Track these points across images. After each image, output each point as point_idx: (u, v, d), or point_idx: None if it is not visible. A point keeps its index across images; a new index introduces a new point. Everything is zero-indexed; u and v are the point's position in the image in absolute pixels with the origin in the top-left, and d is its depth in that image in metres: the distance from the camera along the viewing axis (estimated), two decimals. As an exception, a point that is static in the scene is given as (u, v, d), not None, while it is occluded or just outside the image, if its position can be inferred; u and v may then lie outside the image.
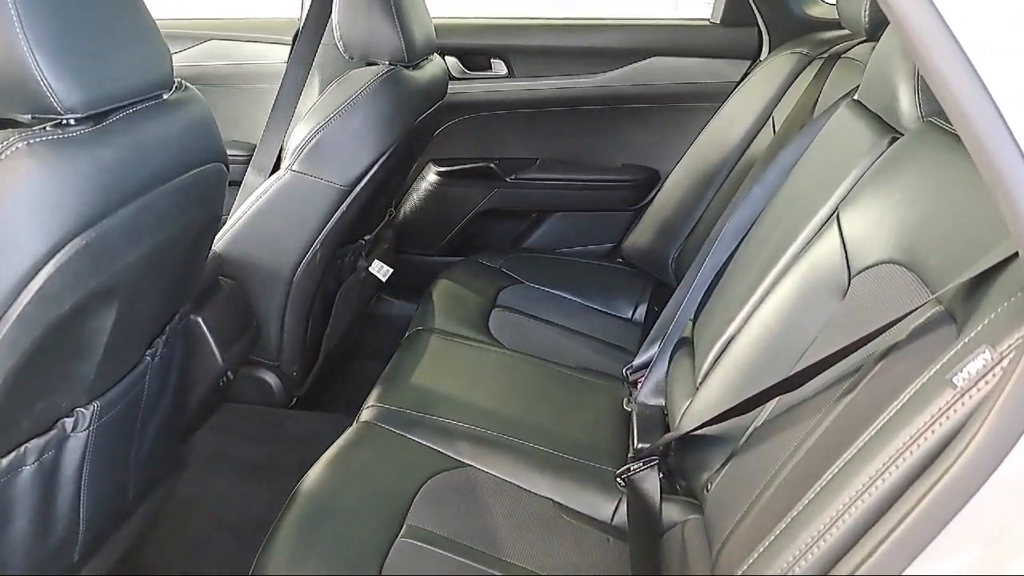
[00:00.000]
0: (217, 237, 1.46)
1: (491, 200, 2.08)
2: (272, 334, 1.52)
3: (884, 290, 0.91)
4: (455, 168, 2.08)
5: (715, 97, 1.95)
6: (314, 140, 1.42)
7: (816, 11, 1.90)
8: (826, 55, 1.68)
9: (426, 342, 1.51)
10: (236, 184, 1.60)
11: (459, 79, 2.03)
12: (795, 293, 1.09)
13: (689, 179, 1.91)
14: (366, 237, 1.70)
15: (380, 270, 1.75)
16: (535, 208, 2.12)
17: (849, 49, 1.62)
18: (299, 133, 1.43)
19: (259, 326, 1.50)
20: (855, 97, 1.28)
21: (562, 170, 2.08)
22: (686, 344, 1.39)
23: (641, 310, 1.86)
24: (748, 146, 1.80)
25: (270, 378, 1.55)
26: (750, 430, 1.05)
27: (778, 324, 1.10)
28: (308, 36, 1.70)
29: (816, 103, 1.59)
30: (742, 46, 1.95)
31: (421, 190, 2.10)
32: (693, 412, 1.18)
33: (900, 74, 1.07)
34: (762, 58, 1.93)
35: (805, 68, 1.74)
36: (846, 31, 1.76)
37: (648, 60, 1.97)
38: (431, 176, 2.09)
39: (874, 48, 1.22)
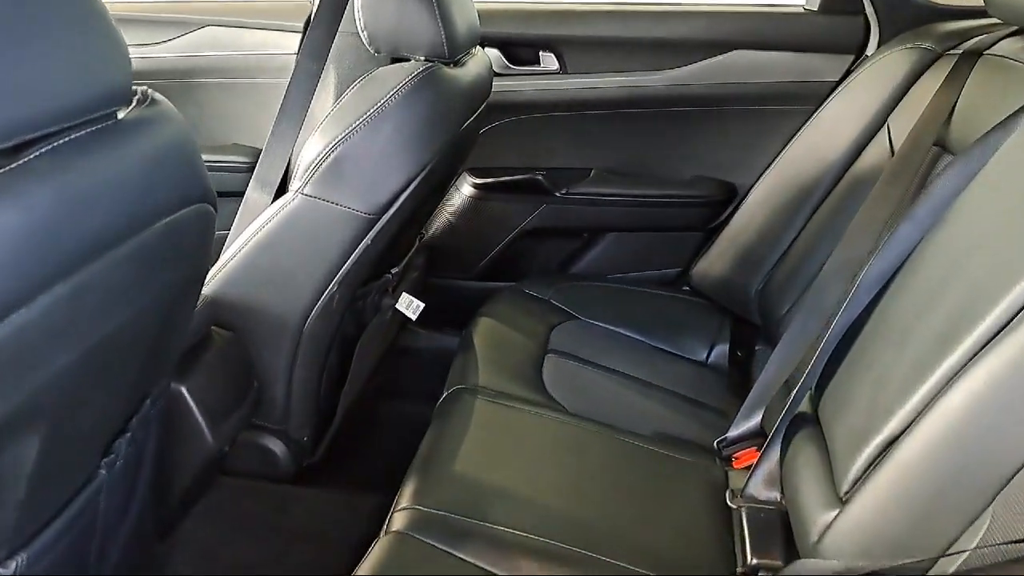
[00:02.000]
0: (210, 275, 1.17)
1: (537, 217, 1.78)
2: (278, 394, 1.23)
3: None
4: (495, 180, 1.77)
5: (809, 99, 1.63)
6: (331, 157, 1.12)
7: (935, -3, 1.59)
8: (960, 51, 1.37)
9: (469, 407, 1.21)
10: (238, 196, 1.32)
11: (501, 75, 1.73)
12: (999, 389, 0.79)
13: (776, 197, 1.60)
14: (393, 270, 1.40)
15: (409, 306, 1.46)
16: (588, 227, 1.82)
17: (994, 44, 1.30)
18: (312, 147, 1.14)
19: (261, 385, 1.21)
20: (1047, 110, 0.98)
21: (621, 183, 1.77)
22: (807, 424, 1.09)
23: (718, 352, 1.56)
24: (854, 161, 1.48)
25: (275, 446, 1.26)
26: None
27: (973, 430, 0.80)
28: (322, 23, 1.39)
29: (952, 112, 1.28)
30: (844, 38, 1.63)
31: (455, 204, 1.80)
32: (841, 532, 0.88)
33: None
34: (869, 53, 1.61)
35: (930, 66, 1.42)
36: (981, 21, 1.45)
37: (729, 54, 1.66)
38: (467, 188, 1.79)
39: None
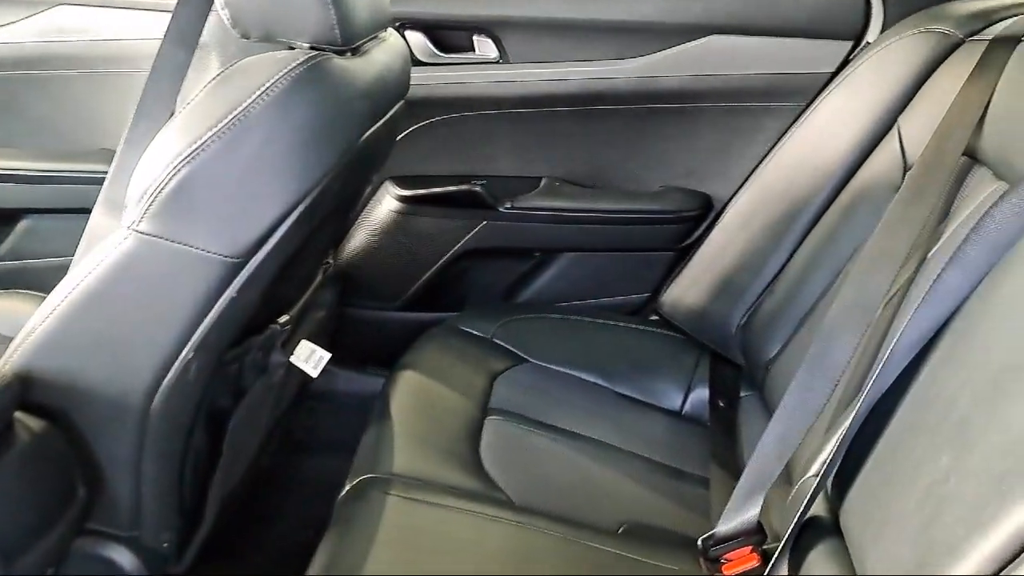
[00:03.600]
0: (16, 342, 0.86)
1: (476, 236, 1.49)
2: (122, 492, 0.93)
3: None
4: (425, 192, 1.47)
5: (799, 95, 1.36)
6: (174, 180, 0.81)
7: (953, -30, 1.32)
8: (987, 36, 1.11)
9: (378, 508, 0.92)
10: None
11: (427, 64, 1.43)
12: None
13: (760, 213, 1.33)
14: (282, 319, 1.09)
15: (310, 358, 1.16)
16: (538, 247, 1.53)
17: (1034, 26, 1.05)
18: (149, 167, 0.83)
19: (98, 484, 0.90)
20: None
21: (576, 195, 1.48)
22: (826, 533, 0.82)
23: (695, 399, 1.30)
24: (856, 170, 1.22)
25: (121, 557, 0.95)
26: None
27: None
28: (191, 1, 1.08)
29: (986, 113, 1.01)
30: (841, 22, 1.35)
31: (375, 219, 1.50)
32: None
33: None
34: (870, 39, 1.33)
35: (948, 55, 1.16)
36: (1007, 1, 1.19)
37: (703, 40, 1.37)
38: (390, 201, 1.49)
39: None
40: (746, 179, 1.39)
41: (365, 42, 0.99)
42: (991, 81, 1.03)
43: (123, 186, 0.98)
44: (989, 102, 1.02)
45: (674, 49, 1.38)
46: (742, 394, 1.30)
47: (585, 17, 1.39)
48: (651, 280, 1.51)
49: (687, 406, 1.30)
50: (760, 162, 1.38)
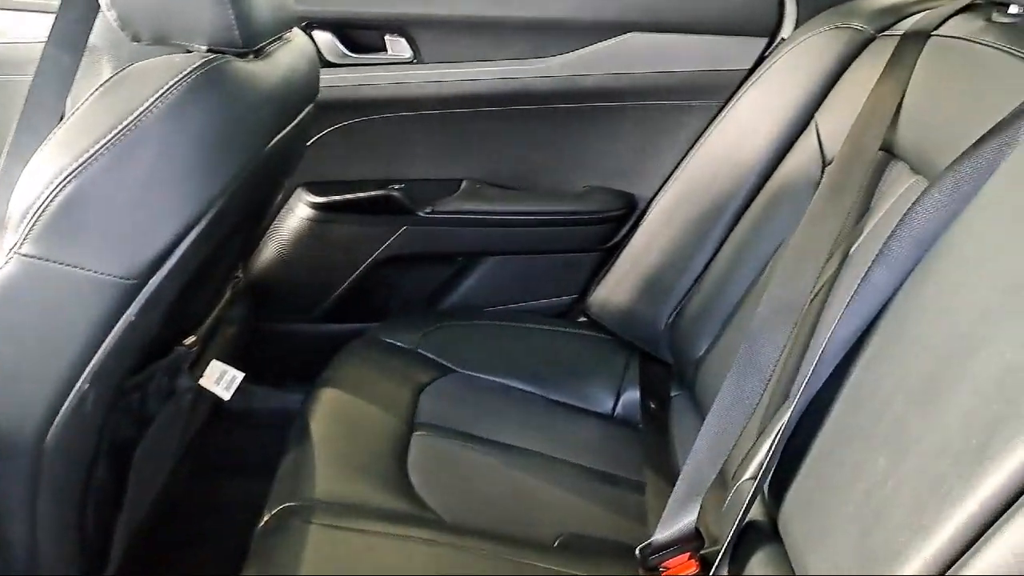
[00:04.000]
0: None
1: (396, 242, 1.43)
2: (17, 533, 0.85)
3: None
4: (340, 198, 1.41)
5: (717, 92, 1.36)
6: (60, 197, 0.74)
7: (863, -34, 1.33)
8: (899, 31, 1.12)
9: (299, 540, 0.86)
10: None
11: (337, 66, 1.37)
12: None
13: (684, 211, 1.32)
14: (188, 340, 1.02)
15: (222, 379, 1.09)
16: (460, 252, 1.49)
17: (943, 22, 1.06)
18: (31, 184, 0.76)
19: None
20: (1062, 109, 0.72)
21: (498, 197, 1.44)
22: (766, 540, 0.81)
23: (627, 400, 1.29)
24: (776, 166, 1.22)
25: (19, 605, 0.87)
26: None
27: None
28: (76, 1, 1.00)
29: (901, 107, 1.02)
30: (755, 18, 1.35)
31: (288, 228, 1.43)
32: None
33: None
34: (784, 35, 1.34)
35: (861, 51, 1.17)
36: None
37: (622, 38, 1.35)
38: (303, 208, 1.42)
39: None
40: (668, 177, 1.38)
41: (268, 43, 0.93)
42: (904, 76, 1.04)
43: (4, 203, 0.91)
44: (903, 97, 1.03)
45: (593, 47, 1.36)
46: (672, 393, 1.29)
47: (501, 15, 1.35)
48: (577, 281, 1.48)
49: (619, 408, 1.28)
50: (682, 160, 1.37)
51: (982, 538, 0.56)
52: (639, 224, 1.39)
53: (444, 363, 1.26)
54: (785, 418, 0.81)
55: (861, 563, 0.65)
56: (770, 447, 0.83)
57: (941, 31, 1.05)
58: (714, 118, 1.35)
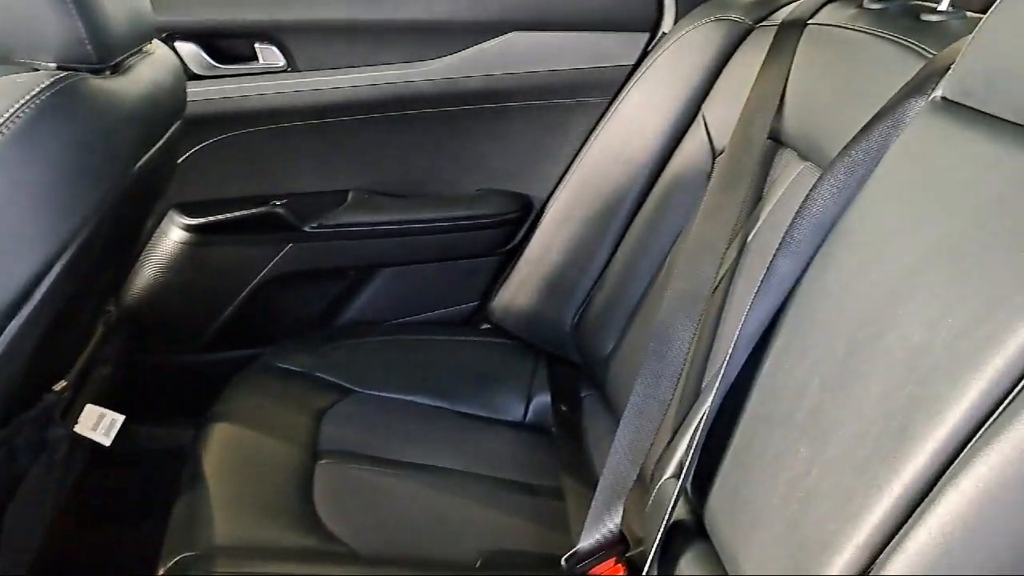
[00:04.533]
0: None
1: (283, 260, 1.36)
2: None
3: None
4: (218, 218, 1.33)
5: (604, 89, 1.35)
6: None
7: (736, -42, 1.35)
8: (775, 21, 1.14)
9: (202, 594, 0.79)
10: None
11: (205, 78, 1.28)
12: (999, 519, 0.53)
13: (580, 210, 1.31)
14: (58, 386, 0.93)
15: (99, 425, 0.99)
16: (353, 266, 1.42)
17: (817, 11, 1.08)
18: None
19: None
20: (942, 95, 0.74)
21: (388, 206, 1.39)
22: (693, 539, 0.79)
23: (537, 405, 1.27)
24: (668, 158, 1.22)
25: None
26: None
27: (986, 566, 0.54)
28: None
29: (784, 96, 1.04)
30: (635, 13, 1.35)
31: (162, 254, 1.33)
32: None
33: None
34: (665, 29, 1.34)
35: (743, 42, 1.18)
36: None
37: (503, 38, 1.32)
38: (177, 232, 1.32)
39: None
40: (562, 176, 1.37)
41: (127, 57, 0.85)
42: (785, 65, 1.06)
43: None
44: (786, 85, 1.04)
45: (475, 48, 1.32)
46: (582, 394, 1.28)
47: (378, 18, 1.30)
48: (478, 288, 1.45)
49: (530, 414, 1.26)
50: (574, 158, 1.36)
51: (910, 520, 0.57)
52: (536, 225, 1.38)
53: (343, 384, 1.20)
54: (702, 413, 0.80)
55: (792, 554, 0.64)
56: (689, 443, 0.82)
57: (816, 19, 1.08)
58: (602, 115, 1.34)
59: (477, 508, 1.03)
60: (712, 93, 1.19)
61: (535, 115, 1.38)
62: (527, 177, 1.41)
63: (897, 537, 0.57)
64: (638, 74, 1.31)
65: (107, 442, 0.99)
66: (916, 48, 0.85)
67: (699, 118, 1.20)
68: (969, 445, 0.55)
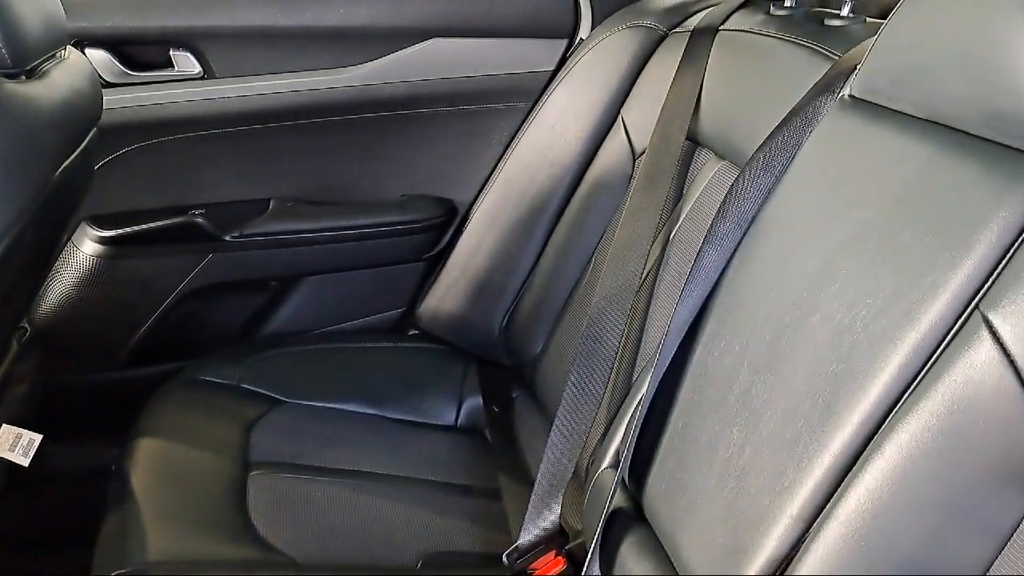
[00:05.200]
0: None
1: (203, 271, 1.32)
2: None
3: None
4: (133, 229, 1.28)
5: (526, 94, 1.38)
6: None
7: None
8: (688, 28, 1.19)
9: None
10: None
11: (118, 85, 1.24)
12: (920, 482, 0.57)
13: (505, 213, 1.33)
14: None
15: (16, 445, 0.95)
16: (276, 275, 1.40)
17: (727, 17, 1.14)
18: None
19: None
20: (850, 93, 0.78)
21: (311, 214, 1.37)
22: (633, 525, 0.82)
23: (469, 408, 1.27)
24: (591, 160, 1.26)
25: None
26: None
27: (897, 544, 0.58)
28: None
29: (700, 99, 1.08)
30: (553, 19, 1.38)
31: (74, 268, 1.28)
32: None
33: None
34: (583, 35, 1.38)
35: (658, 47, 1.23)
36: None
37: (424, 44, 1.33)
38: (90, 245, 1.28)
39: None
40: (486, 181, 1.38)
41: (42, 62, 0.83)
42: (699, 69, 1.11)
43: None
44: (701, 88, 1.09)
45: (396, 54, 1.33)
46: (514, 395, 1.29)
47: (297, 24, 1.29)
48: (405, 293, 1.45)
49: (462, 418, 1.27)
50: (497, 163, 1.38)
51: (840, 488, 0.60)
52: (462, 230, 1.39)
53: (272, 395, 1.19)
54: (636, 403, 0.83)
55: (729, 532, 0.67)
56: (625, 433, 0.84)
57: (727, 25, 1.13)
58: (524, 120, 1.36)
59: (414, 511, 1.03)
60: (630, 97, 1.23)
61: (457, 120, 1.40)
62: (451, 182, 1.42)
63: (828, 505, 0.60)
64: (558, 79, 1.34)
65: (25, 462, 0.94)
66: (823, 51, 0.91)
67: (619, 121, 1.23)
68: (891, 415, 0.59)
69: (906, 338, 0.60)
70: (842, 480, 0.60)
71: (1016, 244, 0.57)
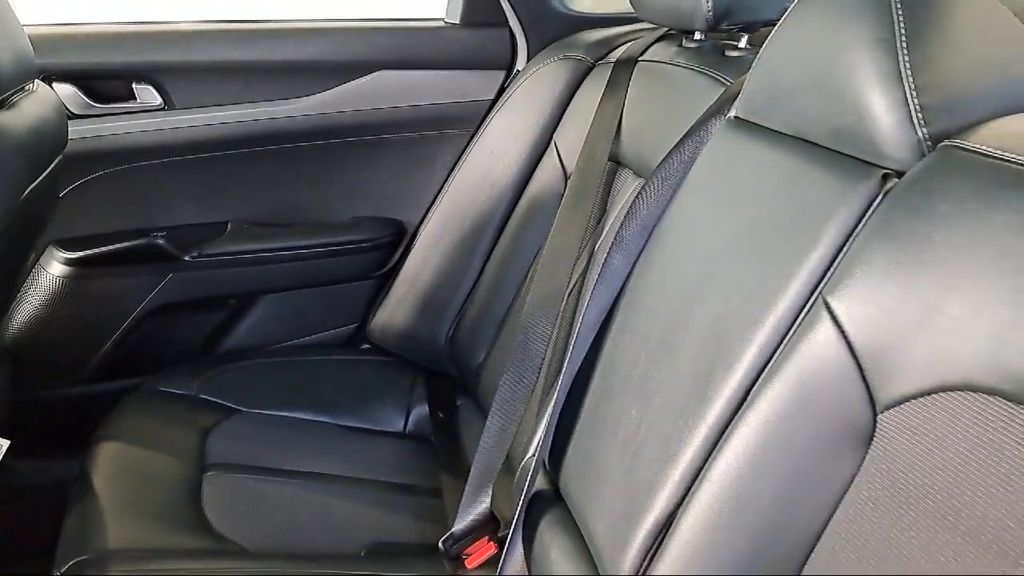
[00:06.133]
0: None
1: (164, 290, 1.40)
2: None
3: (966, 437, 0.54)
4: (95, 251, 1.36)
5: (468, 121, 1.48)
6: None
7: (579, 6, 1.51)
8: (613, 59, 1.29)
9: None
10: None
11: (83, 117, 1.33)
12: (774, 445, 0.66)
13: (450, 232, 1.42)
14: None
15: (-14, 450, 1.01)
16: (233, 293, 1.48)
17: (646, 50, 1.24)
18: None
19: None
20: (735, 114, 0.89)
21: (267, 236, 1.46)
22: (552, 504, 0.90)
23: (417, 416, 1.34)
24: (527, 182, 1.35)
25: None
26: None
27: (756, 497, 0.66)
28: None
29: (620, 122, 1.19)
30: (492, 53, 1.49)
31: (41, 288, 1.35)
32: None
33: (864, 80, 0.69)
34: (519, 67, 1.49)
35: (584, 78, 1.33)
36: (626, 28, 1.40)
37: (372, 76, 1.43)
38: (56, 266, 1.35)
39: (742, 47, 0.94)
40: (432, 202, 1.47)
41: (12, 94, 0.91)
42: (620, 96, 1.21)
43: None
44: (622, 115, 1.19)
45: (345, 86, 1.42)
46: (458, 402, 1.37)
47: (252, 59, 1.38)
48: (357, 310, 1.53)
49: (410, 425, 1.34)
50: (442, 185, 1.47)
51: (713, 453, 0.69)
52: (410, 249, 1.47)
53: (228, 404, 1.25)
54: (555, 394, 0.91)
55: (626, 499, 0.76)
56: (546, 422, 0.93)
57: (645, 57, 1.23)
58: (466, 145, 1.46)
59: (360, 508, 1.10)
60: (561, 123, 1.33)
61: (404, 147, 1.49)
62: (399, 204, 1.51)
63: (704, 468, 0.70)
64: (497, 108, 1.44)
65: (-8, 465, 1.01)
66: (719, 78, 1.01)
67: (552, 146, 1.33)
68: (753, 388, 0.69)
69: (766, 322, 0.69)
70: (715, 446, 0.70)
71: (852, 238, 0.67)
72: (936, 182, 0.62)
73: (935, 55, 0.67)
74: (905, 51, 0.67)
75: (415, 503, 1.14)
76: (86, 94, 1.33)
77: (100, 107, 1.34)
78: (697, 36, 1.17)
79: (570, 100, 1.34)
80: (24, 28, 1.00)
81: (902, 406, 0.59)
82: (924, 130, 0.66)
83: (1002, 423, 0.53)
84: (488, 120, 1.44)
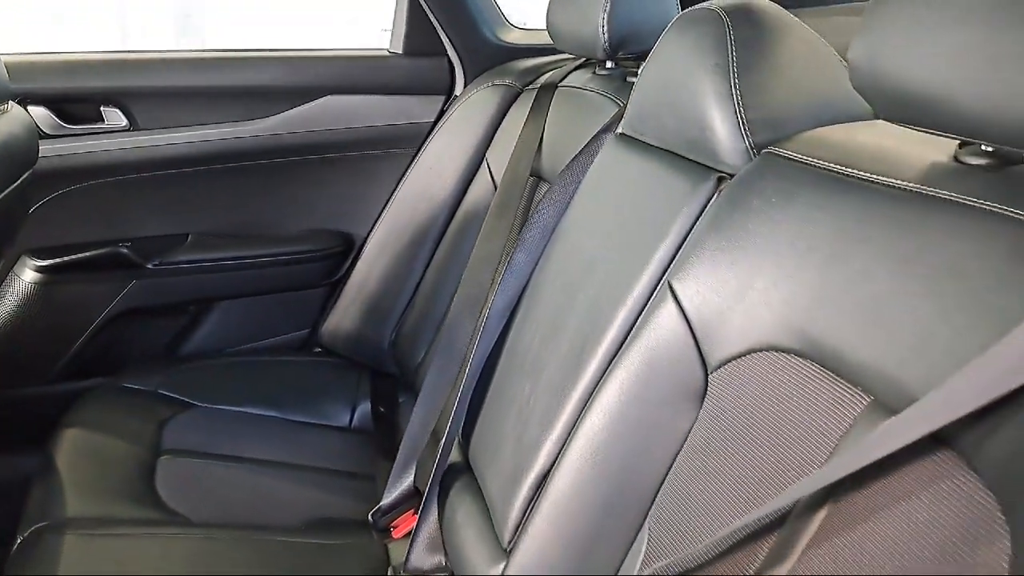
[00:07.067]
0: None
1: (127, 296, 1.51)
2: None
3: (770, 388, 0.65)
4: (65, 259, 1.47)
5: (410, 142, 1.61)
6: None
7: (511, 37, 1.66)
8: (537, 85, 1.43)
9: (55, 550, 0.94)
10: None
11: (54, 136, 1.45)
12: (629, 404, 0.78)
13: (393, 244, 1.55)
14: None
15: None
16: (192, 300, 1.59)
17: (565, 76, 1.38)
18: None
19: None
20: (619, 131, 1.02)
21: (224, 246, 1.58)
22: (461, 475, 1.02)
23: (361, 412, 1.45)
24: (463, 197, 1.48)
25: None
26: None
27: (615, 449, 0.78)
28: None
29: (541, 140, 1.32)
30: (432, 80, 1.63)
31: (11, 295, 1.46)
32: (512, 588, 0.82)
33: (706, 99, 0.82)
34: (457, 92, 1.63)
35: (514, 102, 1.47)
36: (552, 58, 1.54)
37: (319, 101, 1.57)
38: (29, 274, 1.46)
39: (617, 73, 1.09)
40: (378, 216, 1.60)
41: (-15, 113, 1.03)
42: (542, 118, 1.35)
43: None
44: (543, 134, 1.33)
45: (296, 109, 1.56)
46: (400, 400, 1.48)
47: (208, 84, 1.51)
48: (308, 316, 1.64)
49: (355, 421, 1.44)
50: (387, 201, 1.60)
51: (582, 413, 0.81)
52: (357, 259, 1.60)
53: (184, 399, 1.35)
54: (465, 377, 1.03)
55: (515, 460, 0.88)
56: (457, 403, 1.05)
57: (565, 83, 1.37)
58: (409, 164, 1.59)
59: (302, 489, 1.21)
60: (493, 143, 1.47)
61: (351, 165, 1.62)
62: (347, 217, 1.63)
63: (575, 426, 0.82)
64: (436, 129, 1.57)
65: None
66: (617, 101, 1.15)
67: (484, 163, 1.46)
68: (614, 360, 0.81)
69: (626, 303, 0.82)
70: (584, 407, 0.82)
71: (691, 229, 0.80)
72: (755, 182, 0.75)
73: (761, 79, 0.81)
74: (736, 76, 0.81)
75: (353, 486, 1.25)
76: (58, 116, 1.45)
77: (71, 128, 1.46)
78: (609, 65, 1.31)
79: (501, 122, 1.47)
80: (0, 55, 1.12)
81: (726, 366, 0.71)
82: (751, 139, 0.79)
83: (794, 374, 0.66)
84: (428, 141, 1.58)
